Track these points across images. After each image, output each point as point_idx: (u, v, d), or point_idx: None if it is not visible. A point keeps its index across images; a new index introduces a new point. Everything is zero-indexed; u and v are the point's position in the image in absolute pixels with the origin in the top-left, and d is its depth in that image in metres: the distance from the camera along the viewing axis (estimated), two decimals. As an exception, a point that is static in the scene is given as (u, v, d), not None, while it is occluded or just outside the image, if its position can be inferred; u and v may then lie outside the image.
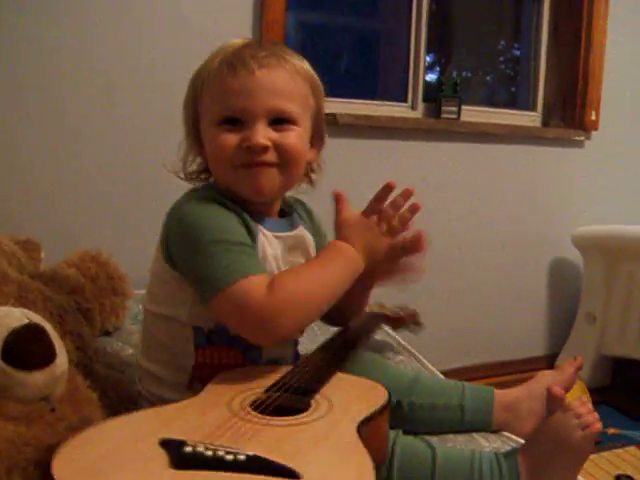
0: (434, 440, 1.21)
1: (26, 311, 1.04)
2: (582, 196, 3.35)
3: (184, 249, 1.12)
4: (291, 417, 0.92)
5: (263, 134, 1.14)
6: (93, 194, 2.34)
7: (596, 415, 1.16)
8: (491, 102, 3.62)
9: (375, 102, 2.99)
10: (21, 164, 2.24)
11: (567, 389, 1.36)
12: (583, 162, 3.33)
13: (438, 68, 3.47)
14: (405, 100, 3.09)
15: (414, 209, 1.20)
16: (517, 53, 3.68)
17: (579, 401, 1.18)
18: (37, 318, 1.03)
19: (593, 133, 3.29)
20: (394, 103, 3.06)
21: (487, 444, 1.33)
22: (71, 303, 1.48)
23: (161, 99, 2.27)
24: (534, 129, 3.30)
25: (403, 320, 1.54)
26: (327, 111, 2.62)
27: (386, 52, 3.40)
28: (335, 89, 2.94)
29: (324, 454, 0.84)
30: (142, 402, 1.24)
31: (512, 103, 3.62)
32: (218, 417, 0.91)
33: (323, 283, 1.09)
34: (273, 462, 0.78)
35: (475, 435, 1.37)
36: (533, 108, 3.40)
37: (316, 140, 1.28)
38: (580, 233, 3.22)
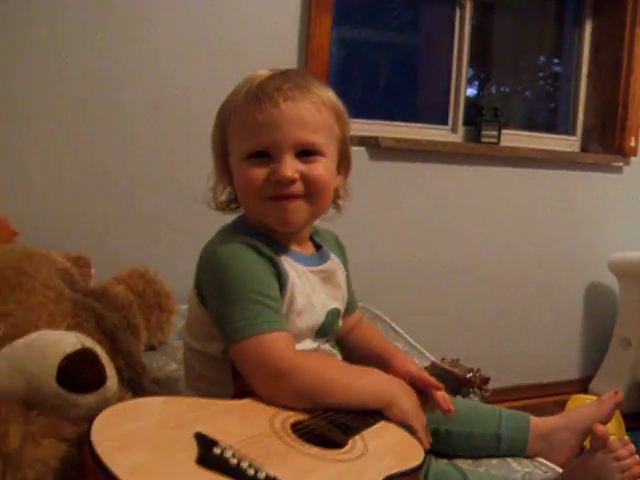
0: (467, 464, 1.24)
1: (80, 336, 1.08)
2: (619, 222, 3.35)
3: (216, 293, 1.14)
4: (325, 449, 0.93)
5: (291, 167, 1.14)
6: (142, 214, 2.41)
7: (637, 458, 1.17)
8: (530, 118, 3.63)
9: (416, 125, 3.02)
10: (71, 183, 2.32)
11: (604, 423, 1.34)
12: (621, 188, 3.33)
13: (477, 82, 3.47)
14: (446, 122, 3.12)
15: None
16: (557, 69, 3.68)
17: (621, 441, 1.18)
18: (90, 342, 1.07)
19: (632, 159, 3.28)
20: (435, 126, 3.08)
21: (520, 468, 1.35)
22: (121, 320, 1.53)
23: (205, 126, 2.33)
24: (573, 154, 3.31)
25: (471, 383, 1.52)
26: (369, 134, 2.70)
27: (427, 70, 3.42)
28: (375, 107, 2.99)
29: None
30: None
31: (551, 123, 3.63)
32: (257, 427, 0.94)
33: (338, 386, 1.09)
34: None
35: (508, 459, 1.38)
36: (572, 132, 3.41)
37: (342, 167, 1.29)
38: (616, 259, 3.22)
